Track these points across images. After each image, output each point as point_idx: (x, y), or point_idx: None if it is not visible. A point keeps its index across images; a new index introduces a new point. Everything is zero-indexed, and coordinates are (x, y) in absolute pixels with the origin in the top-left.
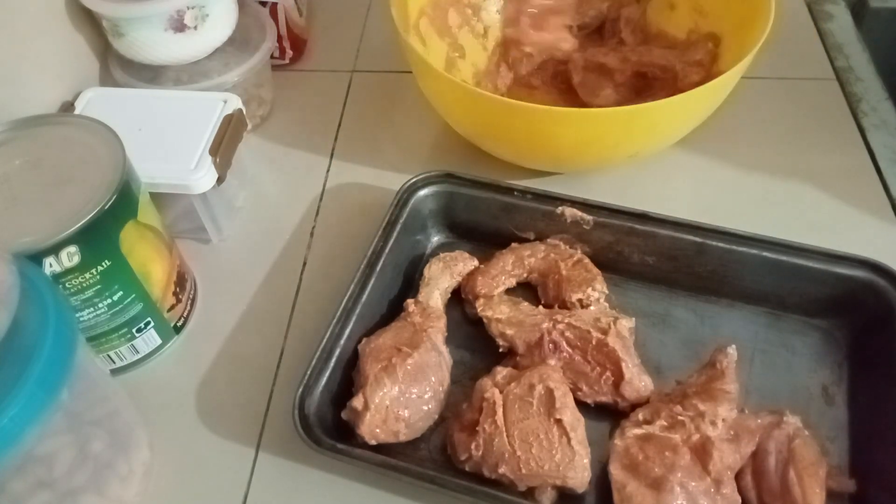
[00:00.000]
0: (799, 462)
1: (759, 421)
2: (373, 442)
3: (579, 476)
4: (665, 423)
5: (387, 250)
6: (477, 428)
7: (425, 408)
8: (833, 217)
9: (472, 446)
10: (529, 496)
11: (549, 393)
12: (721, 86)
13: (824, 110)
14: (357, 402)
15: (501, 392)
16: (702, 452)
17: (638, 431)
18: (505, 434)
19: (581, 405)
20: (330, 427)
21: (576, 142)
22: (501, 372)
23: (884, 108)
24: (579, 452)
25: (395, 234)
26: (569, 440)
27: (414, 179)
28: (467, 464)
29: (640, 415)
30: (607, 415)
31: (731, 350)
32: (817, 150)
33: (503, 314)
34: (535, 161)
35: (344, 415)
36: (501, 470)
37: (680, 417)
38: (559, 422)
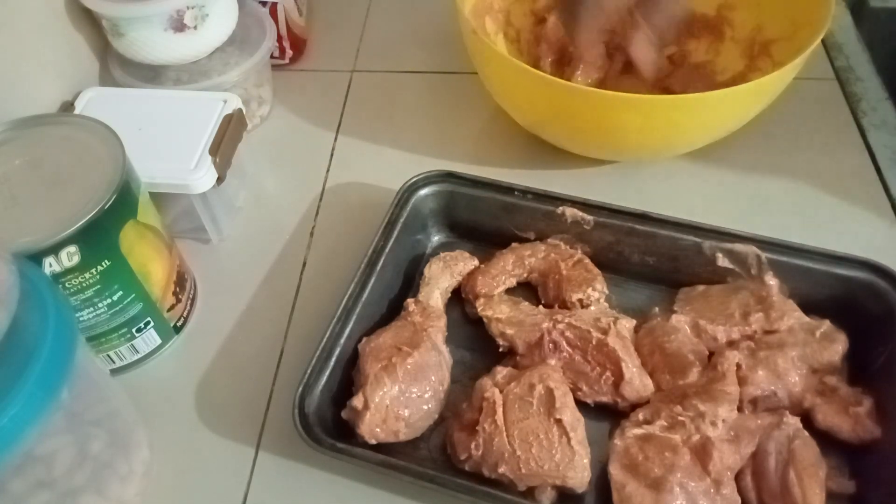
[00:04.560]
0: (799, 463)
1: (759, 421)
2: (373, 441)
3: (579, 476)
4: (665, 424)
5: (387, 250)
6: (477, 427)
7: (425, 407)
8: (833, 217)
9: (472, 446)
10: (529, 496)
11: (549, 393)
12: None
13: (824, 110)
14: (357, 401)
15: (501, 392)
16: (702, 453)
17: (638, 431)
18: (505, 434)
19: (581, 405)
20: (330, 426)
21: (660, 127)
22: (501, 372)
23: (884, 108)
24: (579, 452)
25: (395, 233)
26: (569, 440)
27: (414, 179)
28: (467, 463)
29: (640, 415)
30: (607, 415)
31: (732, 353)
32: (817, 149)
33: (503, 314)
34: (602, 149)
35: (344, 414)
36: (501, 469)
37: (680, 418)
38: (559, 422)
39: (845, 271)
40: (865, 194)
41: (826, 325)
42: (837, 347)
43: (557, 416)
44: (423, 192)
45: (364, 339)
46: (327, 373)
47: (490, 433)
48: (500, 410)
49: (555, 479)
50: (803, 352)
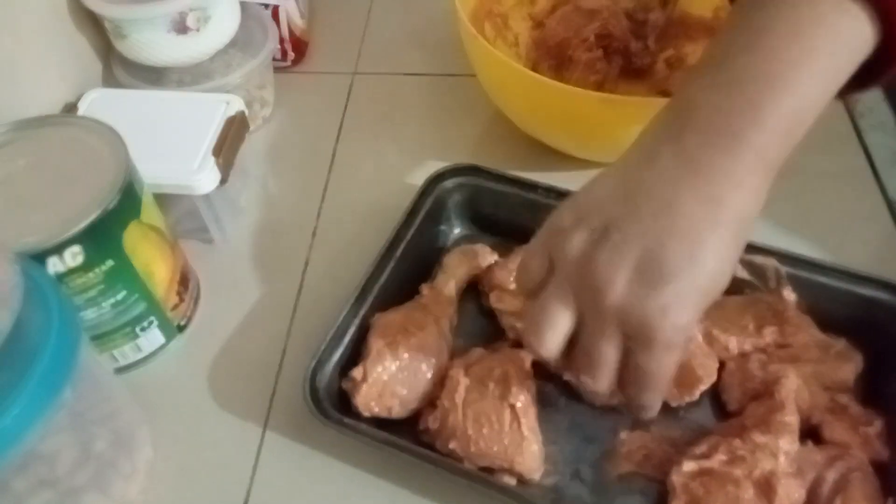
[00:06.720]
0: (850, 494)
1: (825, 453)
2: (366, 414)
3: (527, 462)
4: (724, 458)
5: (408, 237)
6: (436, 402)
7: (422, 389)
8: (829, 218)
9: (430, 419)
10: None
11: (506, 377)
12: None
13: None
14: (357, 372)
15: (467, 373)
16: (766, 487)
17: (694, 466)
18: (459, 412)
19: (585, 403)
20: (336, 404)
21: None
22: (476, 353)
23: (881, 109)
24: (528, 438)
25: (417, 221)
26: (519, 425)
27: (441, 170)
28: (426, 435)
29: (697, 449)
30: (611, 415)
31: (789, 379)
32: (814, 150)
33: (514, 307)
34: (601, 152)
35: (343, 384)
36: (451, 445)
37: (740, 452)
38: (512, 407)
39: (867, 291)
40: (862, 195)
41: (842, 343)
42: (851, 367)
43: (511, 402)
44: (449, 183)
45: (377, 315)
46: (339, 350)
47: (447, 409)
48: (461, 389)
49: (503, 461)
50: (816, 369)
